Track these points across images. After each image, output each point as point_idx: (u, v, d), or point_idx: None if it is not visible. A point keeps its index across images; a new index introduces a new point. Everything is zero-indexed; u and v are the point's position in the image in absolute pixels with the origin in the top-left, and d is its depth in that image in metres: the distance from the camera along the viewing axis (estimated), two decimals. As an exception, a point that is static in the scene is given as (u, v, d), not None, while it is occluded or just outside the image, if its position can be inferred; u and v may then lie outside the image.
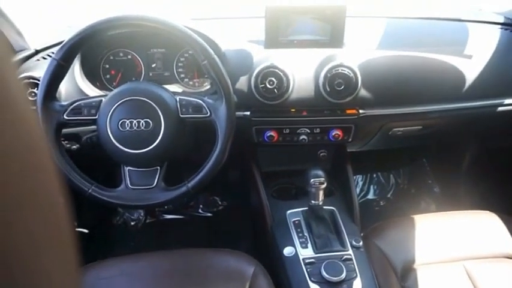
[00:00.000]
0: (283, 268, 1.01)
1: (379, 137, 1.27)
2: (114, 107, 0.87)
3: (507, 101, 1.17)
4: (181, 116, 0.92)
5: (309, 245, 1.04)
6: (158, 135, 0.88)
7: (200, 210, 1.87)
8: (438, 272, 1.09)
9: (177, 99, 0.92)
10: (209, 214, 1.86)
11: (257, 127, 1.14)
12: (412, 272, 1.09)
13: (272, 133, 1.14)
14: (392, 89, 1.11)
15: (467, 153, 1.70)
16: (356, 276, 0.97)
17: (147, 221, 1.84)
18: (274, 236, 1.09)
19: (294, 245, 1.04)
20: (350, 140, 1.17)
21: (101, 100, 0.90)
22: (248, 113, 1.10)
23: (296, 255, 1.01)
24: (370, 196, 1.87)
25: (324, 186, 1.03)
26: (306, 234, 1.07)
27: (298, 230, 1.08)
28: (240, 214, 1.77)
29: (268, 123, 1.13)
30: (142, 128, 0.88)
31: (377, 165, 1.87)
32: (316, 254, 1.01)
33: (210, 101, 0.92)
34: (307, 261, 0.99)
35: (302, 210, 1.13)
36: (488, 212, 1.23)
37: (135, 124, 0.87)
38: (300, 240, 1.05)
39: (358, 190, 1.87)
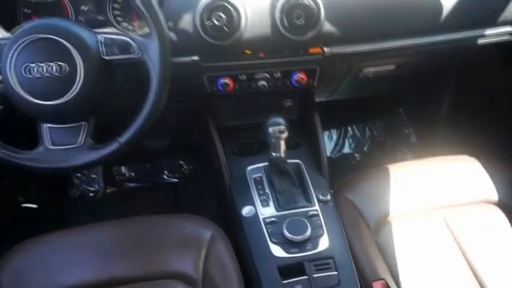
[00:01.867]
0: (241, 230, 0.90)
1: (348, 81, 1.14)
2: (15, 49, 0.71)
3: (488, 32, 1.04)
4: (105, 57, 0.76)
5: (271, 203, 0.93)
6: (76, 82, 0.73)
7: (165, 177, 1.74)
8: (415, 223, 1.00)
9: (99, 38, 0.76)
10: (175, 180, 1.73)
11: (209, 74, 0.99)
12: (386, 225, 1.00)
13: (226, 80, 1.00)
14: (360, 22, 0.97)
15: (445, 98, 1.59)
16: (323, 234, 0.87)
17: (108, 190, 1.69)
18: (232, 196, 0.97)
19: (253, 204, 0.92)
20: (315, 84, 1.04)
21: (4, 44, 0.73)
22: (196, 57, 0.95)
23: (255, 215, 0.90)
24: (346, 150, 1.77)
25: (285, 135, 0.90)
26: (267, 191, 0.95)
27: (259, 187, 0.96)
28: (207, 178, 1.64)
29: (220, 69, 0.99)
30: (55, 73, 0.72)
31: (351, 117, 1.76)
32: (278, 212, 0.91)
33: (139, 38, 0.76)
34: (267, 220, 0.88)
35: (264, 166, 1.01)
36: (466, 156, 1.13)
37: (45, 69, 0.71)
38: (261, 198, 0.93)
39: (332, 145, 1.77)
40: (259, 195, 0.94)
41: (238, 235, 0.91)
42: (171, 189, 1.71)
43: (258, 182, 0.97)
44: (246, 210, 0.91)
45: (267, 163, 1.00)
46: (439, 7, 1.00)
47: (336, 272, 0.83)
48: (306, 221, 0.87)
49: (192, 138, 1.63)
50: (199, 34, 0.91)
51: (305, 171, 1.00)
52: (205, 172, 1.67)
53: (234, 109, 1.19)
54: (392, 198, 1.04)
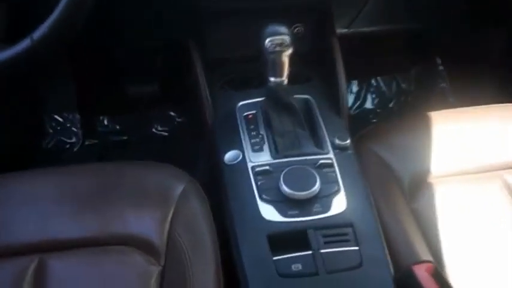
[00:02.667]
0: (222, 183, 0.64)
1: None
2: None
3: None
4: None
5: (266, 147, 0.67)
6: None
7: (154, 130, 1.49)
8: (464, 187, 0.74)
9: None
10: (164, 133, 1.48)
11: None
12: (425, 188, 0.73)
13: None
14: None
15: (498, 43, 1.27)
16: (338, 190, 0.61)
17: (87, 143, 1.46)
18: (214, 138, 0.71)
19: (241, 148, 0.66)
20: None
21: None
22: None
23: (242, 162, 0.64)
24: (368, 105, 1.48)
25: (289, 51, 0.62)
26: (262, 132, 0.69)
27: (252, 127, 0.70)
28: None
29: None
30: None
31: (376, 66, 1.46)
32: (275, 159, 0.64)
33: None
34: (258, 169, 0.63)
35: (261, 101, 0.73)
36: None
37: None
38: (253, 140, 0.67)
39: (351, 99, 1.48)
40: (251, 137, 0.68)
41: (220, 190, 0.65)
42: (160, 143, 1.47)
43: (251, 121, 0.71)
44: (230, 156, 0.66)
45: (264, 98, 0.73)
46: None
47: (356, 247, 0.57)
48: (314, 171, 0.60)
49: (184, 82, 1.37)
50: None
51: (316, 108, 0.73)
52: (199, 124, 1.43)
53: (228, 36, 0.91)
54: (433, 153, 0.77)
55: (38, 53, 0.52)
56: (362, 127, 1.35)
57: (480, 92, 1.35)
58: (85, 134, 1.47)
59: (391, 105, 1.50)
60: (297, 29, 0.90)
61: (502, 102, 1.26)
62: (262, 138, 0.68)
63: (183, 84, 1.37)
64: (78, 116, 1.46)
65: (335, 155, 0.66)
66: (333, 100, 0.77)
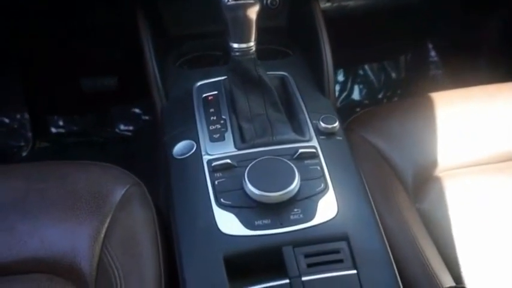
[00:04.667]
0: (168, 182, 0.47)
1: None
2: None
3: None
4: None
5: (228, 134, 0.50)
6: None
7: (116, 129, 1.32)
8: (479, 181, 0.60)
9: None
10: (128, 133, 1.32)
11: None
12: (432, 183, 0.59)
13: None
14: None
15: (494, 27, 1.15)
16: (325, 189, 0.45)
17: (37, 146, 1.28)
18: (162, 126, 0.54)
19: (195, 138, 0.50)
20: None
21: None
22: None
23: (195, 155, 0.48)
24: (355, 97, 1.34)
25: (255, 7, 0.47)
26: (224, 116, 0.52)
27: (211, 110, 0.54)
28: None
29: None
30: None
31: (363, 52, 1.32)
32: (239, 150, 0.48)
33: None
34: (216, 164, 0.46)
35: (224, 80, 0.57)
36: None
37: None
38: (212, 127, 0.51)
39: (337, 89, 1.33)
40: (210, 123, 0.52)
41: (167, 193, 0.49)
42: (123, 145, 1.30)
43: (211, 103, 0.55)
44: (179, 147, 0.49)
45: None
46: None
47: (353, 271, 0.40)
48: (290, 163, 0.44)
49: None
50: None
51: (295, 86, 0.57)
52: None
53: (189, 10, 0.75)
54: (438, 141, 0.64)
55: None
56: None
57: (475, 78, 1.24)
58: (36, 136, 1.29)
59: (380, 96, 1.36)
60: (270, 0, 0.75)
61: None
62: (225, 124, 0.51)
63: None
64: (27, 116, 1.28)
65: (320, 142, 0.50)
66: (316, 77, 0.62)
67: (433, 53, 1.34)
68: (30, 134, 1.29)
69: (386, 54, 1.35)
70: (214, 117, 0.52)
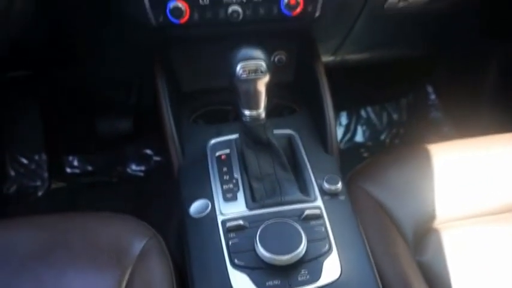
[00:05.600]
0: (185, 240, 0.52)
1: (367, 18, 0.76)
2: None
3: None
4: None
5: (240, 194, 0.55)
6: None
7: (128, 170, 1.37)
8: (479, 233, 0.63)
9: None
10: (140, 173, 1.36)
11: None
12: (431, 235, 0.63)
13: (179, 4, 0.64)
14: None
15: (493, 68, 1.20)
16: (329, 251, 0.49)
17: (53, 186, 1.33)
18: (179, 184, 0.59)
19: (210, 197, 0.54)
20: (317, 13, 0.66)
21: None
22: None
23: (210, 215, 0.52)
24: (358, 139, 1.39)
25: (265, 79, 0.53)
26: (236, 176, 0.57)
27: (224, 169, 0.58)
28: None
29: (169, -16, 0.62)
30: None
31: (365, 96, 1.38)
32: (250, 210, 0.52)
33: None
34: (230, 224, 0.50)
35: (236, 138, 0.63)
36: None
37: None
38: (224, 187, 0.56)
39: (341, 132, 1.39)
40: (223, 182, 0.56)
41: (184, 251, 0.53)
42: (135, 186, 1.34)
43: (223, 162, 0.60)
44: (196, 207, 0.54)
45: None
46: None
47: None
48: (298, 226, 0.48)
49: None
50: None
51: (301, 145, 0.62)
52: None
53: (200, 67, 0.82)
54: (437, 193, 0.67)
55: None
56: (353, 163, 1.26)
57: (475, 122, 1.28)
58: (51, 176, 1.34)
59: (382, 137, 1.41)
60: (277, 57, 0.82)
61: (500, 129, 1.18)
62: (237, 183, 0.57)
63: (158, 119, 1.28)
64: (45, 157, 1.33)
65: (324, 202, 0.55)
66: (321, 134, 0.67)
67: (433, 96, 1.40)
68: (46, 174, 1.34)
69: (387, 97, 1.41)
70: (227, 177, 0.57)
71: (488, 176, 0.70)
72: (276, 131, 0.63)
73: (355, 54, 0.98)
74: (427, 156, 0.72)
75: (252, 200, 0.55)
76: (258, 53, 0.53)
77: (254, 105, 0.54)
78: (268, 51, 0.80)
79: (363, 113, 1.42)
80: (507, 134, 0.80)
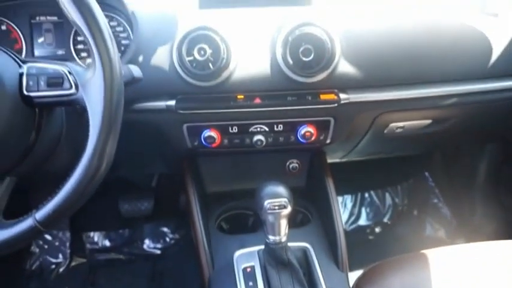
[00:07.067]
0: None
1: (370, 138, 0.89)
2: None
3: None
4: (27, 93, 0.52)
5: None
6: None
7: (145, 247, 1.45)
8: None
9: (23, 68, 0.53)
10: (157, 251, 1.43)
11: (189, 124, 0.77)
12: None
13: (212, 133, 0.77)
14: (387, 62, 0.74)
15: (484, 160, 1.32)
16: None
17: (73, 263, 1.40)
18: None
19: None
20: (328, 141, 0.79)
21: None
22: (172, 102, 0.72)
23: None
24: (362, 222, 1.48)
25: (286, 211, 0.63)
26: None
27: (250, 283, 0.67)
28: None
29: (204, 118, 0.76)
30: None
31: (368, 181, 1.49)
32: None
33: (77, 68, 0.53)
34: None
35: (259, 251, 0.73)
36: None
37: None
38: (251, 301, 0.64)
39: (346, 215, 1.48)
40: None
41: None
42: (151, 263, 1.40)
43: (249, 276, 0.69)
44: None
45: (262, 246, 0.72)
46: (487, 46, 0.77)
47: None
48: None
49: (179, 201, 1.36)
50: (176, 72, 0.70)
51: (315, 260, 0.72)
52: (193, 243, 1.39)
53: (223, 171, 0.94)
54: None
55: (40, 232, 0.52)
56: (357, 244, 1.34)
57: (469, 208, 1.37)
58: (73, 252, 1.41)
59: (385, 219, 1.50)
60: (292, 165, 0.94)
61: (493, 222, 1.27)
62: (261, 296, 0.65)
63: (177, 202, 1.38)
64: (68, 234, 1.42)
65: None
66: (332, 247, 0.76)
67: (431, 182, 1.50)
68: (68, 251, 1.42)
69: (388, 182, 1.52)
70: (253, 291, 0.67)
71: (486, 283, 0.77)
72: (292, 244, 0.73)
73: (361, 156, 1.10)
74: (426, 263, 0.80)
75: (275, 315, 0.63)
76: (282, 189, 0.64)
77: (277, 232, 0.65)
78: (283, 160, 0.93)
79: (366, 196, 1.53)
80: (503, 241, 0.88)
